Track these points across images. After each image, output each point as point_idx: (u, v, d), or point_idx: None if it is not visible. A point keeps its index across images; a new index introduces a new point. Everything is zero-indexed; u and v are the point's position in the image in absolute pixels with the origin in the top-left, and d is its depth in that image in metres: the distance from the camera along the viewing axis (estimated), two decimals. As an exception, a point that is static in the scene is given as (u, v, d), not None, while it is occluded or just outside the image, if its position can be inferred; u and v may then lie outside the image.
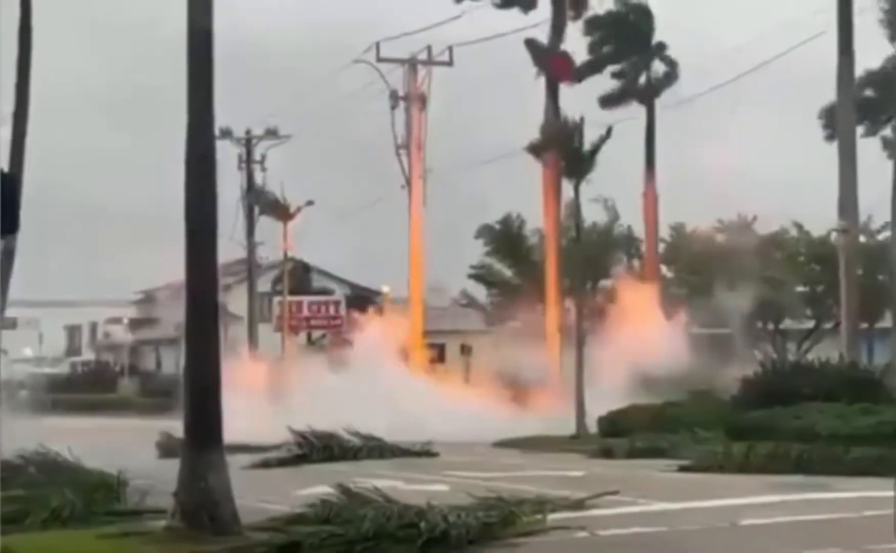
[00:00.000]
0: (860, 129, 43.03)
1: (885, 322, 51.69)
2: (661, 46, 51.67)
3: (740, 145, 56.39)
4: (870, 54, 43.66)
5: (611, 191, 52.43)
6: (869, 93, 44.80)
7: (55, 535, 17.94)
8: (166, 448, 31.93)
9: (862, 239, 46.93)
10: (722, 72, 50.99)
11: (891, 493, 17.21)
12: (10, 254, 29.45)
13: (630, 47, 51.47)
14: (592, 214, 50.98)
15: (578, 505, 19.31)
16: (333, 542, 15.74)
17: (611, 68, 51.66)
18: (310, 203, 65.35)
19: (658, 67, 51.78)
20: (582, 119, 38.75)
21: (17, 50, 30.14)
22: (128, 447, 34.17)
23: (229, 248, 60.19)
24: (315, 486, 20.36)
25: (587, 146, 38.70)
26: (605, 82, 51.46)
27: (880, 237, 52.31)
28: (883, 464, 23.92)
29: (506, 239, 58.37)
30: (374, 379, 41.98)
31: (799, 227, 55.98)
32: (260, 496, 20.13)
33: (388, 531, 16.10)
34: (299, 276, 76.81)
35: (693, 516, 18.67)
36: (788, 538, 16.72)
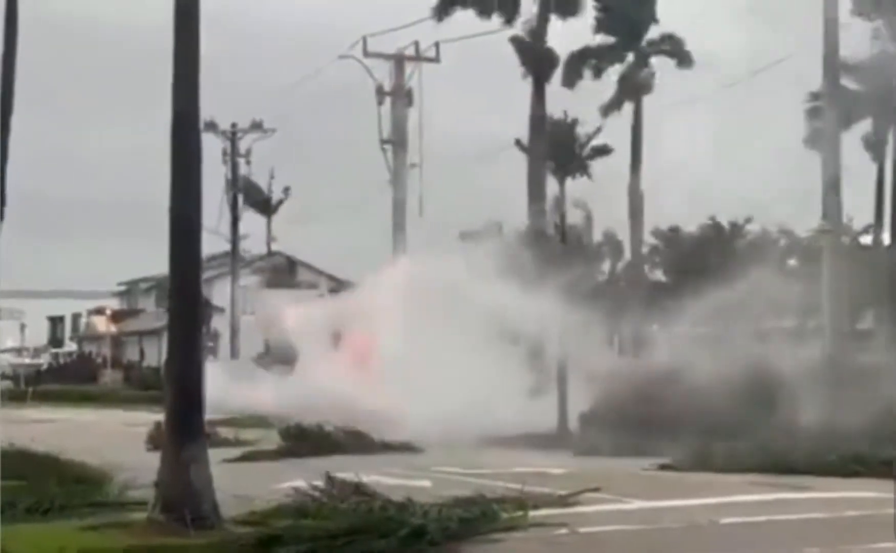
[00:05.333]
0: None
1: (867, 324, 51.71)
2: (655, 42, 51.69)
3: (728, 147, 56.44)
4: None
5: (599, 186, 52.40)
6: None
7: (37, 526, 17.87)
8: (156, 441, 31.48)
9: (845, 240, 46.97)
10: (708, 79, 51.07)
11: (872, 494, 17.33)
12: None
13: (624, 41, 51.52)
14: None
15: (560, 502, 19.35)
16: (314, 536, 15.72)
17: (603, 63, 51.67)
18: (286, 190, 64.77)
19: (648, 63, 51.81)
20: (575, 120, 38.54)
21: (3, 40, 29.92)
22: (110, 439, 34.20)
23: (213, 241, 60.25)
24: (299, 479, 20.33)
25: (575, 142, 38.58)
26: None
27: (862, 240, 52.40)
28: (865, 464, 24.03)
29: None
30: None
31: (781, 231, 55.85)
32: (243, 489, 20.09)
33: (368, 525, 16.08)
34: (284, 271, 76.72)
35: (674, 514, 18.68)
36: (769, 537, 16.75)
